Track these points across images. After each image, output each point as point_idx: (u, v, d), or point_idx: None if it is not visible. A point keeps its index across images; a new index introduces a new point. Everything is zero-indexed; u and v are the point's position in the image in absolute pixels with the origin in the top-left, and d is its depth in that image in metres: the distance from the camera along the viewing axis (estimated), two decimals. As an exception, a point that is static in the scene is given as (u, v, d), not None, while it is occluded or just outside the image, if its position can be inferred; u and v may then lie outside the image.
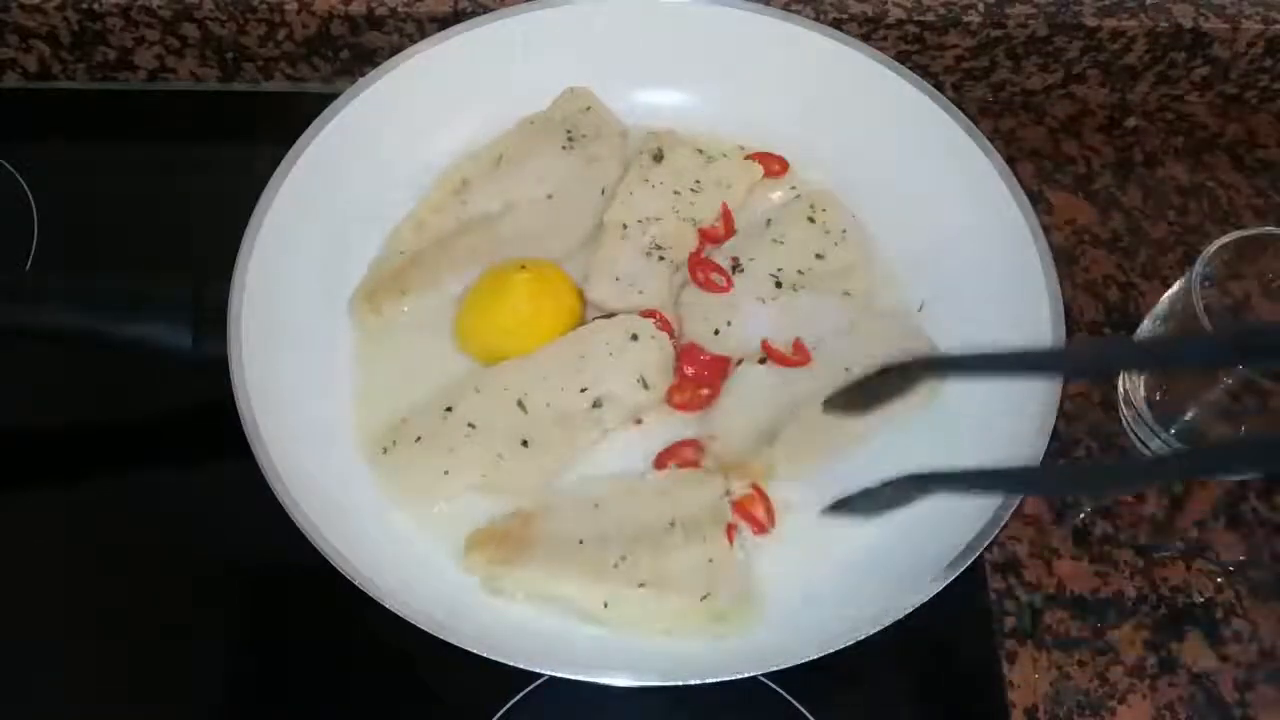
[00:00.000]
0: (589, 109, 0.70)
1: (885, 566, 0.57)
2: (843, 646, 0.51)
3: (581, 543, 0.57)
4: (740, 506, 0.59)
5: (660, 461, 0.61)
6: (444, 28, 0.69)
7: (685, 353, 0.63)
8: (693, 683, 0.50)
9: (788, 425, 0.60)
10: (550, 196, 0.68)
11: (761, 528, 0.59)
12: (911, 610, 0.51)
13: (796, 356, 0.62)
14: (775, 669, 0.51)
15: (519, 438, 0.60)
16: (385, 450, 0.60)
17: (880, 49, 0.69)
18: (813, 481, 0.60)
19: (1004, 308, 0.61)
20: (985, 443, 0.58)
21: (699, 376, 0.63)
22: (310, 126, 0.64)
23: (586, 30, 0.70)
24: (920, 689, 0.60)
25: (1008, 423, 0.57)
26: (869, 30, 0.76)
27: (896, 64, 0.67)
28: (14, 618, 0.60)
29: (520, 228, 0.67)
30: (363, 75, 0.66)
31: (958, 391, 0.62)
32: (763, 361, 0.62)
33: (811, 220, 0.67)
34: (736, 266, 0.66)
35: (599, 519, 0.58)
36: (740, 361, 0.63)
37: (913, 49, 0.77)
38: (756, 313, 0.64)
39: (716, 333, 0.63)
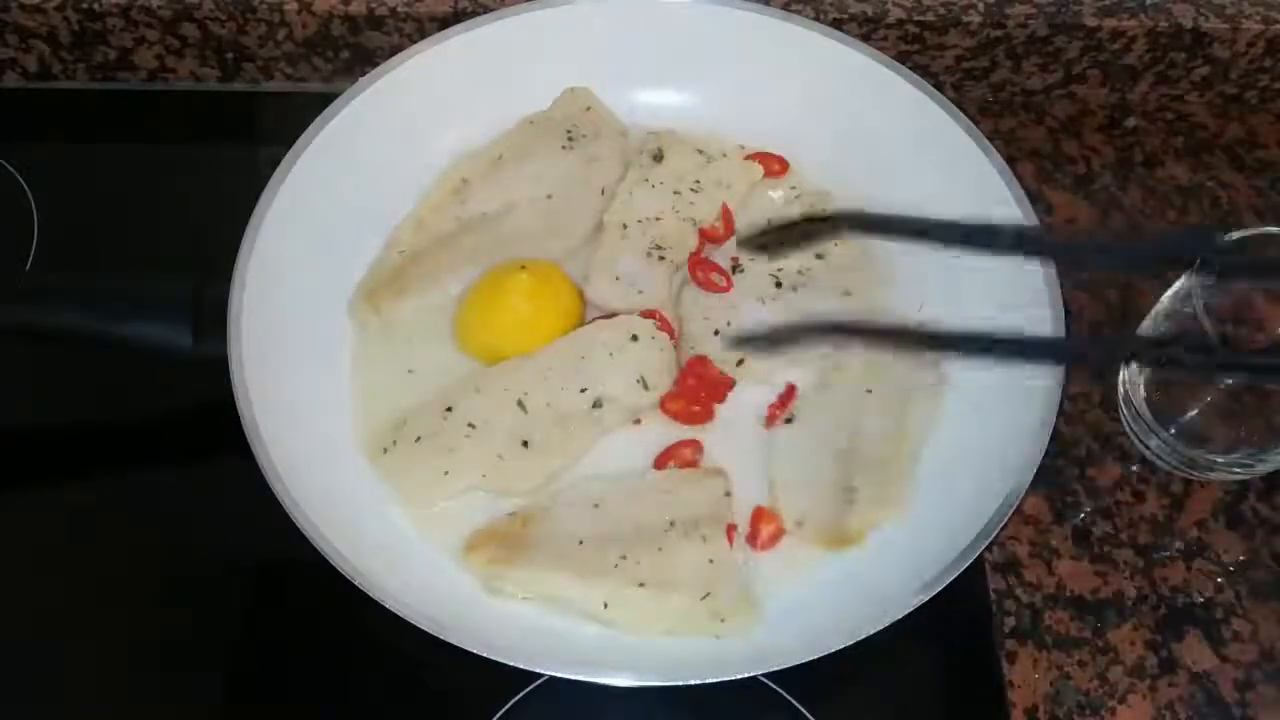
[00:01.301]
0: (589, 109, 0.70)
1: (885, 566, 0.57)
2: (842, 646, 0.51)
3: (581, 543, 0.57)
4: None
5: (660, 462, 0.61)
6: (444, 28, 0.69)
7: (694, 363, 0.63)
8: (693, 683, 0.50)
9: (857, 470, 0.60)
10: (550, 196, 0.68)
11: (764, 547, 0.59)
12: (912, 610, 0.51)
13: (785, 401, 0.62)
14: (775, 669, 0.51)
15: (519, 438, 0.60)
16: (385, 450, 0.60)
17: (880, 49, 0.69)
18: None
19: (1004, 307, 0.61)
20: (985, 441, 0.58)
21: (698, 392, 0.62)
22: (310, 126, 0.64)
23: (586, 30, 0.70)
24: (920, 689, 0.60)
25: (1008, 422, 0.57)
26: (869, 30, 0.76)
27: (896, 64, 0.67)
28: (14, 618, 0.60)
29: (520, 228, 0.67)
30: (363, 75, 0.66)
31: (959, 392, 0.62)
32: (789, 421, 0.62)
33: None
34: (736, 266, 0.66)
35: (599, 519, 0.58)
36: (741, 363, 0.63)
37: (913, 49, 0.77)
38: (756, 313, 0.64)
39: (716, 333, 0.63)
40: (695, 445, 0.61)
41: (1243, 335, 0.62)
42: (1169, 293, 0.60)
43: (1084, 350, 0.59)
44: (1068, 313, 0.60)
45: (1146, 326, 0.63)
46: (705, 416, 0.62)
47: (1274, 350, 0.58)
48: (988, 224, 0.45)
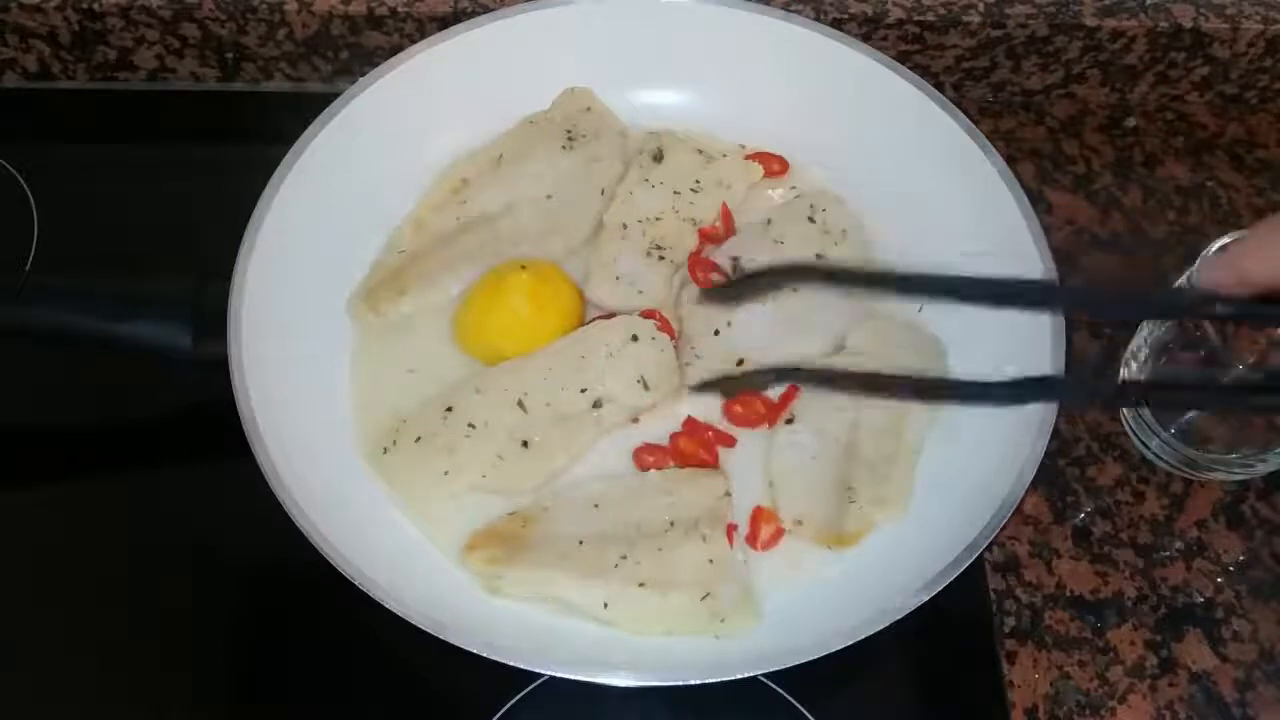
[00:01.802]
0: (589, 109, 0.70)
1: (885, 566, 0.57)
2: (842, 646, 0.51)
3: (581, 543, 0.57)
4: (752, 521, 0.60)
5: (640, 460, 0.61)
6: (444, 28, 0.69)
7: (688, 425, 0.62)
8: (693, 683, 0.50)
9: (857, 470, 0.60)
10: (550, 196, 0.68)
11: (764, 547, 0.59)
12: (911, 610, 0.51)
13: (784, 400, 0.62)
14: (775, 669, 0.51)
15: (519, 438, 0.60)
16: (385, 450, 0.60)
17: (880, 49, 0.69)
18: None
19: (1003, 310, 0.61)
20: (985, 441, 0.58)
21: (697, 454, 0.62)
22: (310, 126, 0.64)
23: (586, 30, 0.70)
24: (920, 689, 0.60)
25: (1008, 422, 0.57)
26: (869, 30, 0.76)
27: (896, 64, 0.67)
28: (13, 618, 0.60)
29: (520, 228, 0.67)
30: (363, 75, 0.66)
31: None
32: (789, 421, 0.61)
33: (811, 220, 0.67)
34: (736, 266, 0.66)
35: (599, 519, 0.58)
36: (741, 363, 0.63)
37: (913, 49, 0.77)
38: (756, 313, 0.64)
39: (716, 333, 0.63)
40: (700, 435, 0.61)
41: (1242, 338, 0.62)
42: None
43: (1084, 392, 0.59)
44: (1067, 315, 0.60)
45: (1146, 328, 0.63)
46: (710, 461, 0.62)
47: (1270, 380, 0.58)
48: (965, 278, 0.44)
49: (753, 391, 0.61)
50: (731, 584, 0.56)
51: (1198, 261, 0.58)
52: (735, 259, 0.66)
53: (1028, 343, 0.58)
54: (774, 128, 0.71)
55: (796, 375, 0.57)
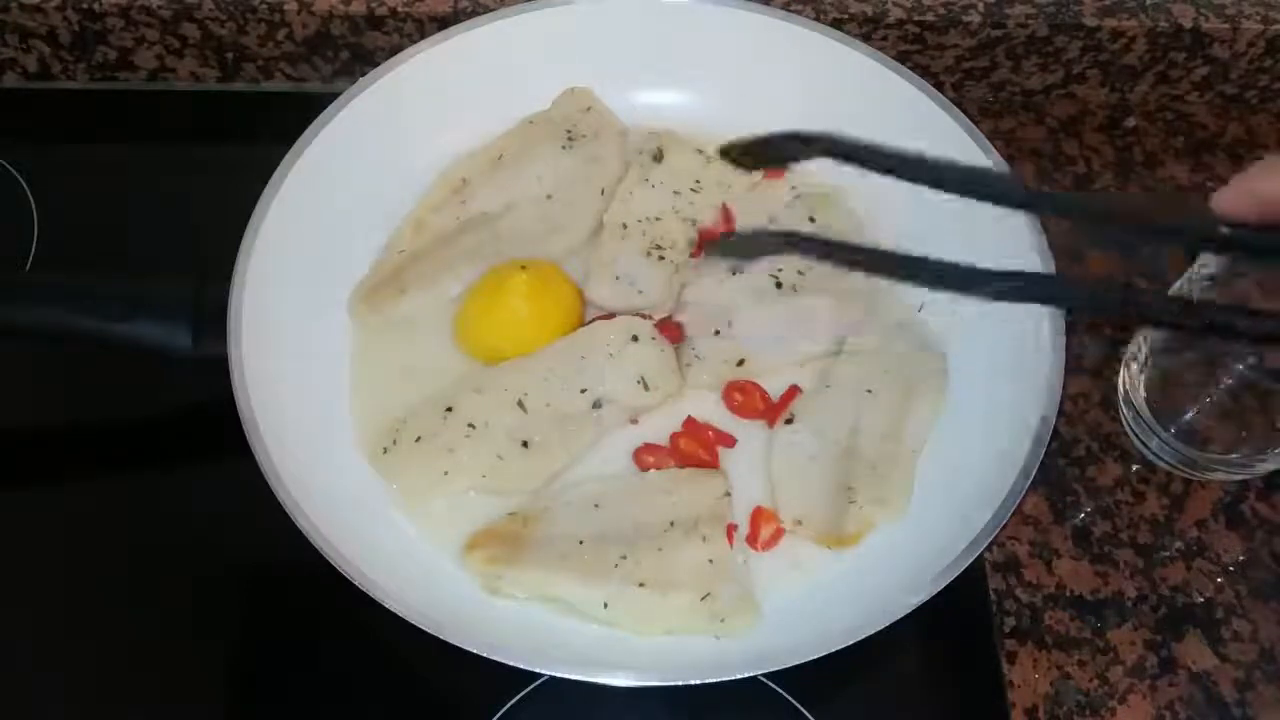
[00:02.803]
0: (589, 109, 0.70)
1: (885, 566, 0.57)
2: (842, 646, 0.51)
3: (581, 543, 0.57)
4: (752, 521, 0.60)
5: (640, 460, 0.61)
6: (444, 28, 0.69)
7: (688, 425, 0.62)
8: (693, 683, 0.50)
9: (857, 470, 0.60)
10: (550, 196, 0.68)
11: (764, 547, 0.59)
12: (911, 610, 0.51)
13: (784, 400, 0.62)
14: (775, 669, 0.51)
15: (519, 438, 0.60)
16: (385, 450, 0.60)
17: (880, 49, 0.69)
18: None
19: (1004, 308, 0.61)
20: (985, 441, 0.58)
21: (698, 454, 0.62)
22: (310, 126, 0.64)
23: (586, 30, 0.70)
24: (920, 689, 0.60)
25: (1008, 422, 0.57)
26: (869, 30, 0.76)
27: (896, 64, 0.67)
28: (14, 618, 0.60)
29: (520, 228, 0.67)
30: (363, 75, 0.66)
31: (960, 391, 0.62)
32: (789, 421, 0.61)
33: (811, 220, 0.67)
34: (737, 267, 0.66)
35: (599, 519, 0.58)
36: (742, 363, 0.63)
37: (913, 49, 0.77)
38: (756, 313, 0.64)
39: (716, 333, 0.63)
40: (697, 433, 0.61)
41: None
42: (1169, 293, 0.60)
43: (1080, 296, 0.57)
44: (1069, 316, 0.60)
45: (1146, 329, 0.63)
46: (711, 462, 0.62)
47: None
48: (977, 169, 0.43)
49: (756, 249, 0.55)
50: (731, 584, 0.56)
51: (1197, 261, 0.58)
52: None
53: (1029, 343, 0.58)
54: (774, 128, 0.70)
55: (798, 241, 0.52)
